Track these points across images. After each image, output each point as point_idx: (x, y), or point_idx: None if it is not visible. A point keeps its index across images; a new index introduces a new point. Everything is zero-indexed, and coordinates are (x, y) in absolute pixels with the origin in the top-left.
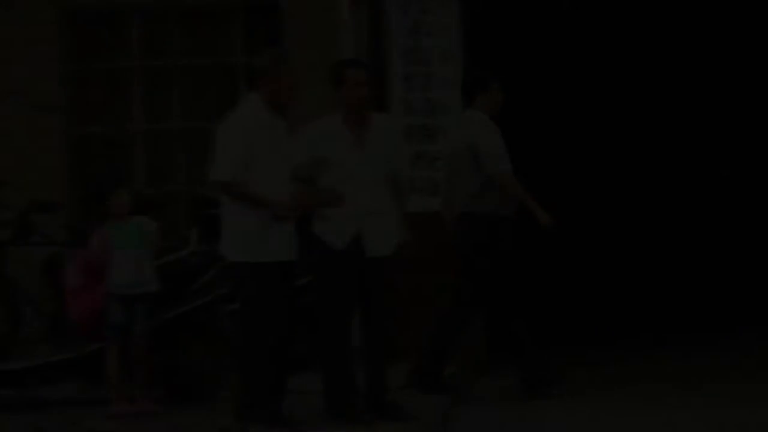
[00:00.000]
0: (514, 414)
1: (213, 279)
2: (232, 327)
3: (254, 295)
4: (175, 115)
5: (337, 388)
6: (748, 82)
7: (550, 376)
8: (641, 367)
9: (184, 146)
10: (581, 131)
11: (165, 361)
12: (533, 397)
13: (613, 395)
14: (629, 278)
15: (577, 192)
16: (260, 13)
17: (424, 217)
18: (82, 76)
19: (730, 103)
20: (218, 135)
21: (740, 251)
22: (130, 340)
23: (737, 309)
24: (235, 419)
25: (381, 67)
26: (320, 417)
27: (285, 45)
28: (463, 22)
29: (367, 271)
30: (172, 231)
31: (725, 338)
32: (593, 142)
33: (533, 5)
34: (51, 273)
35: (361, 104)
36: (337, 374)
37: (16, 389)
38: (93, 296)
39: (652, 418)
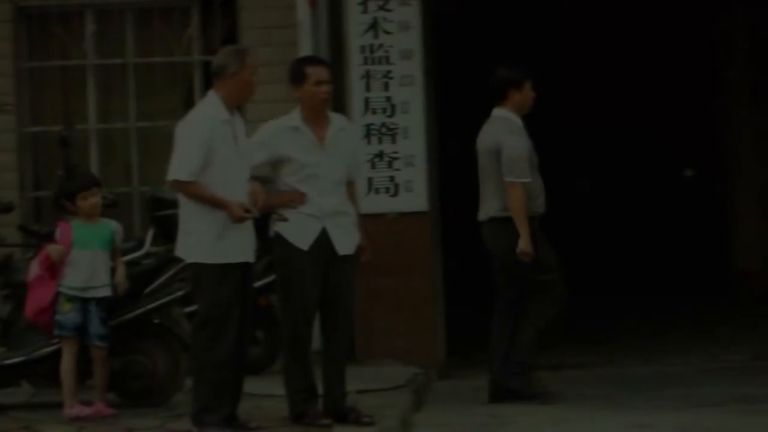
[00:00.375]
0: (474, 418)
1: (169, 281)
2: (189, 329)
3: (212, 297)
4: (130, 114)
5: (297, 392)
6: (711, 90)
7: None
8: (604, 371)
9: (139, 146)
10: (547, 130)
11: (120, 364)
12: (497, 401)
13: (577, 399)
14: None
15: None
16: (216, 10)
17: (384, 219)
18: (35, 74)
19: (694, 111)
20: (177, 134)
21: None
22: (85, 342)
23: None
24: (191, 423)
25: (340, 66)
26: (280, 421)
27: (242, 43)
28: (423, 19)
29: (329, 272)
30: (126, 232)
31: (686, 343)
32: (559, 142)
33: (496, 3)
34: (4, 274)
35: (323, 103)
36: (298, 377)
37: None
38: (45, 293)
39: (616, 421)
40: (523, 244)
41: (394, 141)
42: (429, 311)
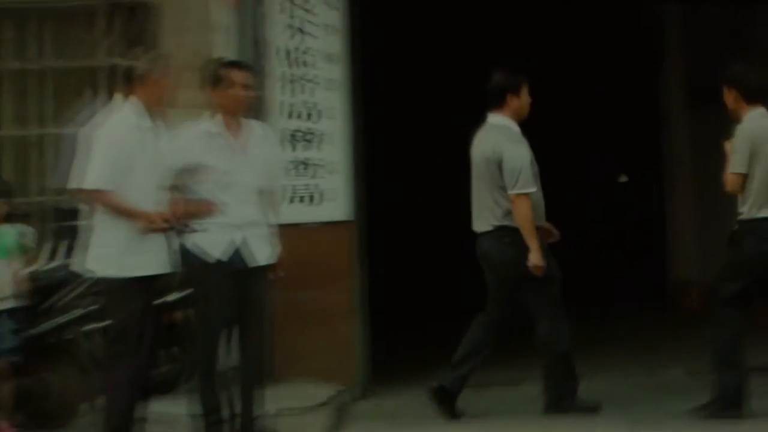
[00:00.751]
0: None
1: (78, 295)
2: (100, 346)
3: (124, 312)
4: (33, 121)
5: (212, 411)
6: (645, 98)
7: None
8: (536, 388)
9: (41, 153)
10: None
11: (25, 383)
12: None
13: (508, 417)
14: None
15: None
16: (129, 13)
17: (304, 229)
18: None
19: (630, 119)
20: (93, 141)
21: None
22: None
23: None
24: None
25: (261, 69)
26: None
27: (158, 47)
28: (349, 22)
29: (245, 284)
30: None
31: (622, 358)
32: None
33: (423, 7)
34: None
35: (245, 107)
36: (213, 396)
37: None
38: None
39: None
40: (535, 258)
41: (317, 147)
42: (351, 326)
